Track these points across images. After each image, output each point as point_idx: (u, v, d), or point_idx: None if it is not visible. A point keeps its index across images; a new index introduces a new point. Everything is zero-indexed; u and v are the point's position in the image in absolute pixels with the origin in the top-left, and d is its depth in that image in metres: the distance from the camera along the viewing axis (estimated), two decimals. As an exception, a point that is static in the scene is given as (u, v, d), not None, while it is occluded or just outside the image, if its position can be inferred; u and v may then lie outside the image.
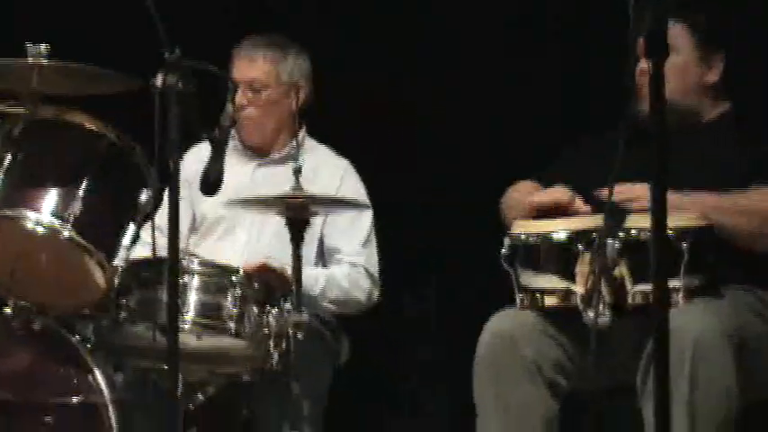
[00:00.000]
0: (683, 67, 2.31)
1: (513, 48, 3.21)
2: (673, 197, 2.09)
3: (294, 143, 2.63)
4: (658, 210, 1.58)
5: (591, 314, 2.14)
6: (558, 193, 2.31)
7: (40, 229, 2.25)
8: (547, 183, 2.40)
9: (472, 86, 3.22)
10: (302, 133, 2.68)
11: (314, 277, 2.45)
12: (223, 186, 2.18)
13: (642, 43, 1.81)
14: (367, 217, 2.61)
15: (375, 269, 2.61)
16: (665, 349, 1.60)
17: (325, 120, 2.84)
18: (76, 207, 2.24)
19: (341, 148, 2.80)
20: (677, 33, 2.27)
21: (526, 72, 3.21)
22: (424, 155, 3.29)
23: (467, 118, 3.21)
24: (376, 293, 2.61)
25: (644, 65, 2.28)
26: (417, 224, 3.16)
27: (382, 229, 2.71)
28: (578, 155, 2.49)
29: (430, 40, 3.31)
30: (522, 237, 2.21)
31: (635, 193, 2.23)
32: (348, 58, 3.31)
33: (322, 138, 2.81)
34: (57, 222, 2.25)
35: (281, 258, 2.41)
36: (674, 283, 2.02)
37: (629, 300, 2.15)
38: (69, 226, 2.23)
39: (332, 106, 2.92)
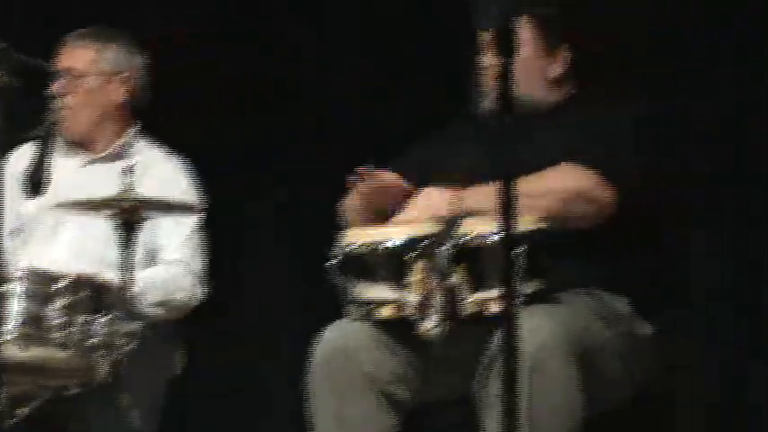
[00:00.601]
0: (527, 61, 2.20)
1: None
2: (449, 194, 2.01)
3: (123, 140, 2.45)
4: (503, 215, 1.44)
5: (428, 325, 2.01)
6: (385, 176, 2.15)
7: None
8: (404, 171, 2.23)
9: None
10: (133, 130, 2.50)
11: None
12: (49, 186, 2.04)
13: (489, 39, 1.71)
14: (191, 220, 2.42)
15: (198, 266, 2.41)
16: (509, 359, 1.41)
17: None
18: None
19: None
20: (520, 27, 2.18)
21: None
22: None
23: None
24: (200, 293, 2.42)
25: (490, 61, 2.22)
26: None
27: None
28: (424, 149, 2.35)
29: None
30: (354, 246, 2.06)
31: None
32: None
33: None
34: None
35: (108, 261, 2.23)
36: (520, 288, 1.83)
37: (465, 309, 2.00)
38: None
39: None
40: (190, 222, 2.43)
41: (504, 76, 1.48)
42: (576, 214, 2.13)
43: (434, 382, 2.15)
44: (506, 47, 1.49)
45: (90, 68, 2.46)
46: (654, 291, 2.33)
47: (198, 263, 2.43)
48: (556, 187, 2.14)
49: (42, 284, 2.13)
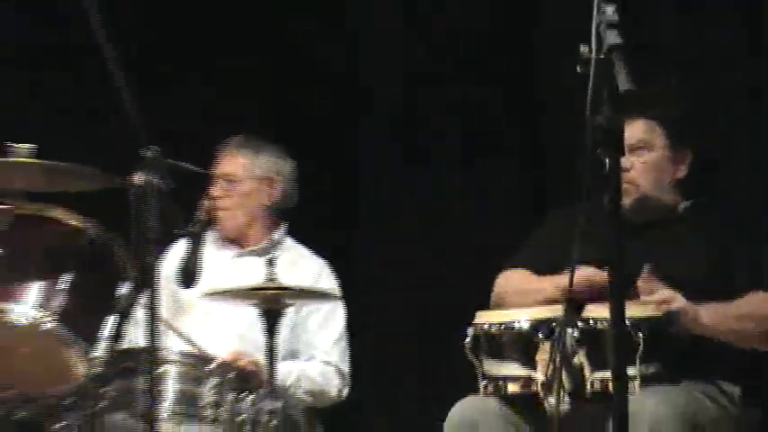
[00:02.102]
0: (658, 162, 2.28)
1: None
2: (687, 306, 2.06)
3: (272, 237, 2.62)
4: (617, 299, 1.52)
5: (551, 401, 2.04)
6: (591, 274, 2.14)
7: (23, 321, 2.12)
8: (532, 267, 2.32)
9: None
10: (281, 230, 2.67)
11: (287, 370, 2.36)
12: (202, 274, 2.16)
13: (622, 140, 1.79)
14: (340, 316, 2.55)
15: (346, 367, 2.55)
16: None
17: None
18: (58, 300, 2.10)
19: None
20: (651, 129, 2.25)
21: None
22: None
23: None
24: (346, 391, 2.55)
25: (626, 162, 2.26)
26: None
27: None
28: (548, 235, 2.41)
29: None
30: (486, 326, 2.13)
31: (592, 280, 2.21)
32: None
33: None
34: (38, 314, 2.13)
35: (255, 345, 2.32)
36: (631, 371, 1.90)
37: (588, 387, 2.05)
38: (51, 318, 2.11)
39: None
40: (339, 322, 2.57)
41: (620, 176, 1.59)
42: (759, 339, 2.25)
43: None
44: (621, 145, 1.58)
45: (245, 174, 2.65)
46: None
47: (346, 363, 2.57)
48: (754, 314, 2.21)
49: (195, 366, 2.23)
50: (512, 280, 2.37)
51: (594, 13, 1.62)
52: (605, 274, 2.05)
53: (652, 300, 2.09)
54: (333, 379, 2.56)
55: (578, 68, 1.64)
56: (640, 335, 1.97)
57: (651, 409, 2.00)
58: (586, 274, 2.12)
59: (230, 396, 2.20)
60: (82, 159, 2.28)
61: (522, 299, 2.31)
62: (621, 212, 1.98)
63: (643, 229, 2.20)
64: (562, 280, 2.13)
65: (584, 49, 1.62)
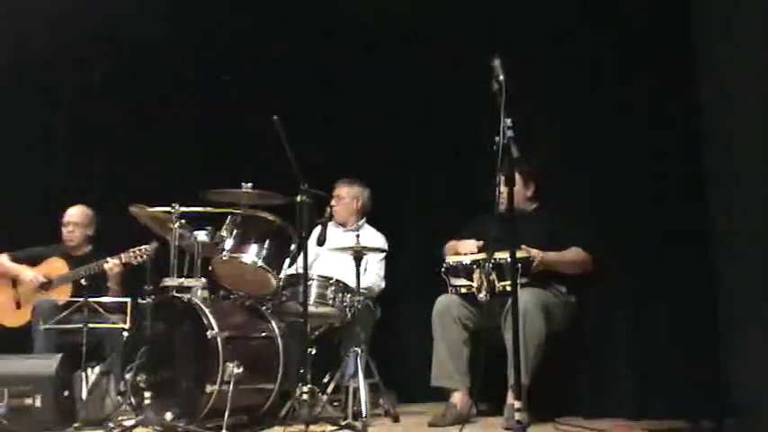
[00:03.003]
0: (519, 190, 3.87)
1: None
2: (539, 253, 3.79)
3: (358, 223, 4.70)
4: (513, 250, 3.25)
5: (481, 296, 3.84)
6: (471, 244, 4.05)
7: (249, 262, 3.96)
8: (467, 236, 4.12)
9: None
10: (363, 220, 4.68)
11: (364, 279, 4.24)
12: (327, 242, 4.21)
13: (503, 178, 3.69)
14: (383, 258, 4.51)
15: (382, 275, 4.52)
16: (515, 311, 3.10)
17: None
18: (264, 253, 3.97)
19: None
20: (517, 175, 3.72)
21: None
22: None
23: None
24: (383, 286, 4.51)
25: (503, 189, 3.90)
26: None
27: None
28: (477, 223, 4.11)
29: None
30: (451, 262, 3.98)
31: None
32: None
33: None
34: (256, 260, 3.99)
35: (349, 272, 4.18)
36: (519, 281, 3.50)
37: (497, 289, 3.81)
38: (261, 261, 3.98)
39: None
40: (382, 261, 4.58)
41: (510, 196, 3.13)
42: (576, 269, 3.96)
43: (483, 320, 3.99)
44: (511, 182, 3.13)
45: (347, 195, 4.71)
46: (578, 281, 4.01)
47: (382, 273, 4.56)
48: (573, 258, 3.93)
49: (324, 281, 4.17)
50: (458, 242, 4.12)
51: (501, 131, 2.98)
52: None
53: (526, 250, 3.80)
54: (378, 282, 4.52)
55: (494, 147, 3.15)
56: (520, 265, 3.61)
57: (525, 298, 3.69)
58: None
59: (339, 294, 4.14)
60: (272, 188, 3.94)
61: (462, 249, 4.07)
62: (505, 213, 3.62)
63: (515, 219, 3.57)
64: (478, 243, 3.99)
65: (497, 138, 3.06)
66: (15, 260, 4.92)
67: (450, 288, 4.02)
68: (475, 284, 3.92)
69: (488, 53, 3.12)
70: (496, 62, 3.06)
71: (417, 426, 3.99)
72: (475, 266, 3.93)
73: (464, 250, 4.05)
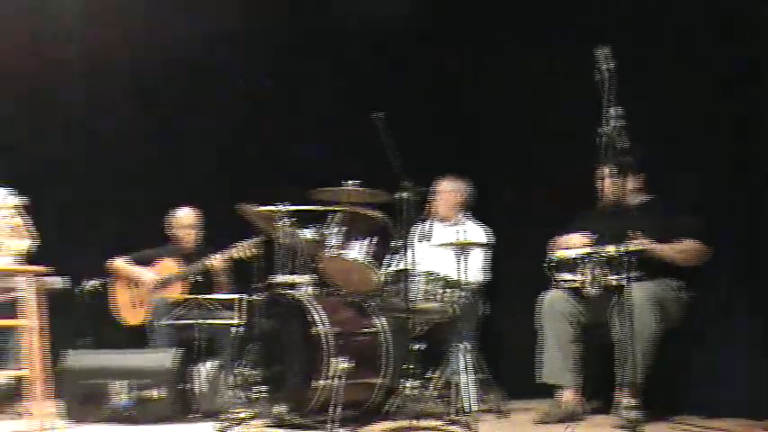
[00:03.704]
0: (625, 181, 3.59)
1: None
2: (651, 245, 3.67)
3: (460, 218, 4.64)
4: (622, 243, 3.23)
5: (589, 291, 3.77)
6: (578, 238, 3.97)
7: (353, 259, 3.99)
8: (572, 230, 4.01)
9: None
10: (465, 215, 4.61)
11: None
12: (429, 237, 4.20)
13: (609, 170, 3.51)
14: (485, 249, 4.43)
15: (486, 269, 4.43)
16: (626, 307, 3.10)
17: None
18: (368, 250, 3.98)
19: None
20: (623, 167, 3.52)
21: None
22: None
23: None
24: (486, 279, 4.42)
25: (609, 181, 3.80)
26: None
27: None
28: (583, 216, 4.06)
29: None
30: (557, 257, 3.91)
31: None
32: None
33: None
34: (360, 256, 4.00)
35: (451, 268, 4.13)
36: (629, 275, 3.38)
37: (606, 284, 3.71)
38: (365, 258, 3.97)
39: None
40: (484, 251, 4.49)
41: (616, 188, 3.13)
42: (690, 261, 3.78)
43: (591, 316, 3.91)
44: (618, 173, 3.11)
45: (448, 190, 4.64)
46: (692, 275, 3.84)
47: (486, 267, 4.48)
48: (684, 248, 3.76)
49: (427, 277, 4.09)
50: (564, 236, 4.02)
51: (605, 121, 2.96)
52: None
53: (636, 243, 3.66)
54: (481, 276, 4.45)
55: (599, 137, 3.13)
56: (630, 259, 3.41)
57: (636, 293, 3.41)
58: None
59: (441, 290, 4.07)
60: (375, 185, 3.96)
61: (569, 244, 3.98)
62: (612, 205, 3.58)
63: (622, 212, 3.63)
64: (584, 237, 3.90)
65: (603, 128, 3.03)
66: (133, 262, 5.09)
67: (556, 283, 3.94)
68: (582, 279, 3.82)
69: (590, 40, 3.06)
70: (602, 50, 2.93)
71: (524, 423, 3.93)
72: (582, 261, 3.82)
73: (571, 244, 3.94)
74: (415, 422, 3.52)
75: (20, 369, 4.03)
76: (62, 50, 5.40)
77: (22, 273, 3.89)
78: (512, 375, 4.51)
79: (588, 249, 3.84)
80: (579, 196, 4.12)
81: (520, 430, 3.82)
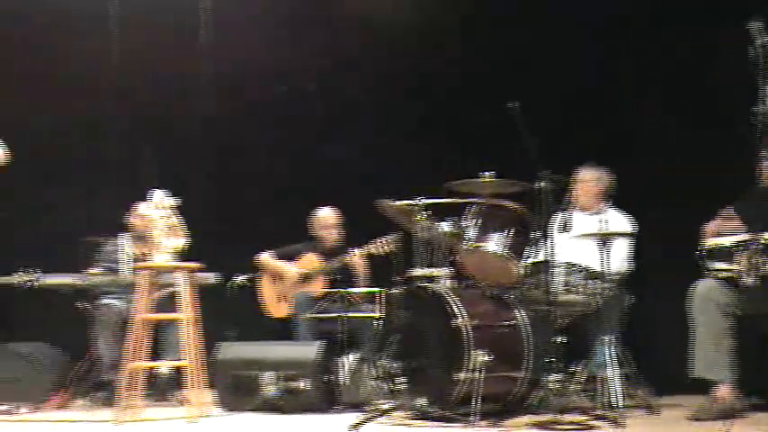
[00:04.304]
0: None
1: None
2: None
3: (602, 207, 4.47)
4: None
5: (746, 280, 3.51)
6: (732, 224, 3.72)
7: (492, 251, 3.95)
8: (727, 216, 3.77)
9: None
10: (606, 204, 4.46)
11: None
12: (570, 228, 4.03)
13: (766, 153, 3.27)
14: (628, 239, 4.23)
15: (629, 259, 4.26)
16: None
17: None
18: (507, 242, 3.94)
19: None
20: None
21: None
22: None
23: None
24: (630, 269, 4.26)
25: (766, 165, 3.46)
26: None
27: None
28: (739, 202, 3.80)
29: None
30: (710, 245, 3.68)
31: None
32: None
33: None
34: (498, 248, 3.96)
35: (593, 258, 4.00)
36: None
37: (765, 273, 3.47)
38: (503, 250, 3.94)
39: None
40: (627, 241, 4.31)
41: None
42: None
43: (748, 307, 3.69)
44: None
45: (589, 179, 4.49)
46: None
47: (629, 257, 4.30)
48: None
49: (569, 268, 3.98)
50: (718, 222, 3.76)
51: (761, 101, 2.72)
52: None
53: None
54: (625, 266, 4.29)
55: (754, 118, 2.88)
56: None
57: None
58: None
59: (583, 281, 3.94)
60: (512, 176, 3.94)
61: (723, 230, 3.73)
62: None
63: None
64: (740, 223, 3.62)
65: (757, 108, 2.88)
66: (277, 257, 5.24)
67: (708, 272, 3.72)
68: (738, 268, 3.57)
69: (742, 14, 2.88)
70: (755, 24, 2.74)
71: (676, 419, 3.75)
72: (738, 249, 3.59)
73: (725, 231, 3.72)
74: (558, 417, 3.45)
75: (178, 360, 4.26)
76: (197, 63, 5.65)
77: (180, 269, 4.08)
78: (659, 369, 4.34)
79: (744, 236, 3.60)
80: (732, 181, 3.91)
81: (672, 428, 3.64)
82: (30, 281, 4.51)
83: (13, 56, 5.41)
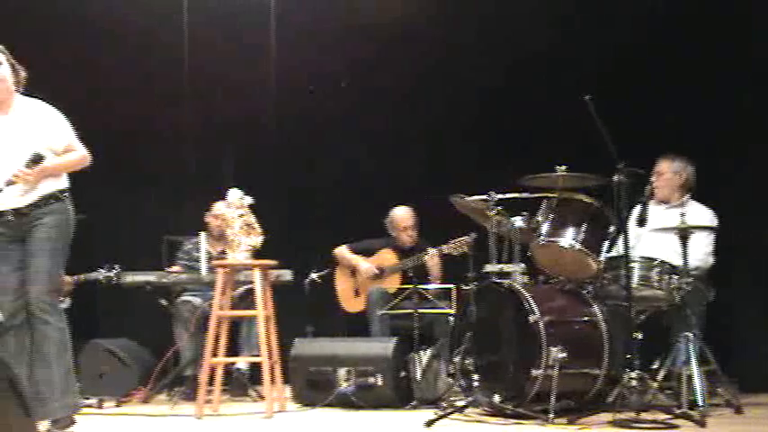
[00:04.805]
0: None
1: None
2: None
3: (682, 200, 4.33)
4: None
5: None
6: None
7: (567, 246, 3.88)
8: None
9: None
10: (687, 195, 4.31)
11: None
12: (648, 221, 3.89)
13: None
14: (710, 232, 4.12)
15: (710, 253, 4.16)
16: None
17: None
18: (582, 236, 3.83)
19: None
20: None
21: None
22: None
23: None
24: (711, 263, 4.16)
25: None
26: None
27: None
28: None
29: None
30: None
31: None
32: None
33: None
34: (574, 243, 3.88)
35: (676, 252, 3.90)
36: None
37: None
38: (579, 244, 3.86)
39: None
40: (709, 234, 4.17)
41: None
42: None
43: None
44: None
45: (668, 170, 4.37)
46: None
47: (711, 251, 4.18)
48: None
49: (648, 263, 3.91)
50: None
51: None
52: None
53: None
54: (706, 260, 4.19)
55: None
56: None
57: None
58: None
59: (666, 276, 3.85)
60: (587, 169, 3.86)
61: None
62: None
63: None
64: None
65: None
66: (354, 251, 5.26)
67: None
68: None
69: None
70: None
71: (761, 418, 3.60)
72: None
73: None
74: (640, 414, 3.37)
75: (255, 356, 4.33)
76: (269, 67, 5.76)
77: (257, 267, 4.16)
78: (742, 367, 4.22)
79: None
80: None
81: (757, 427, 3.54)
82: (111, 278, 4.65)
83: (100, 66, 5.58)
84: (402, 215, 5.17)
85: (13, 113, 3.49)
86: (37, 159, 3.38)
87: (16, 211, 3.46)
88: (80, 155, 3.55)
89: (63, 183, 3.56)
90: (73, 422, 3.50)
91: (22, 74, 3.53)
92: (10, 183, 3.38)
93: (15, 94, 3.51)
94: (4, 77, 3.44)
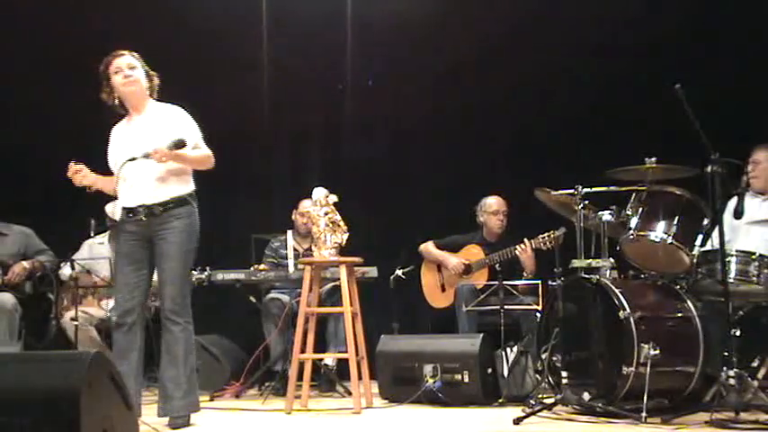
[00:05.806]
0: None
1: None
2: None
3: None
4: None
5: None
6: None
7: (658, 240, 3.79)
8: None
9: None
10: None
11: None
12: (745, 213, 3.67)
13: None
14: None
15: None
16: None
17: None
18: (674, 229, 3.73)
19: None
20: None
21: None
22: None
23: None
24: None
25: None
26: None
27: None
28: None
29: None
30: None
31: None
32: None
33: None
34: (665, 237, 3.77)
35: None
36: None
37: None
38: (671, 238, 3.76)
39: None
40: None
41: None
42: None
43: None
44: None
45: (765, 160, 4.15)
46: None
47: None
48: None
49: (745, 257, 3.73)
50: None
51: None
52: None
53: None
54: None
55: None
56: None
57: None
58: None
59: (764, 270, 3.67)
60: (679, 161, 3.73)
61: None
62: None
63: None
64: None
65: None
66: (439, 247, 5.25)
67: None
68: None
69: None
70: None
71: None
72: None
73: None
74: (739, 414, 3.25)
75: (342, 352, 4.38)
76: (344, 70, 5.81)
77: (342, 264, 4.20)
78: None
79: None
80: None
81: None
82: (203, 280, 4.77)
83: (200, 80, 5.73)
84: (491, 202, 5.17)
85: (146, 114, 3.65)
86: (179, 144, 3.48)
87: (149, 212, 3.56)
88: (208, 153, 3.64)
89: (191, 186, 3.66)
90: (190, 421, 3.58)
91: (156, 80, 3.69)
92: (147, 155, 3.48)
93: (149, 99, 3.67)
94: (138, 79, 3.61)
